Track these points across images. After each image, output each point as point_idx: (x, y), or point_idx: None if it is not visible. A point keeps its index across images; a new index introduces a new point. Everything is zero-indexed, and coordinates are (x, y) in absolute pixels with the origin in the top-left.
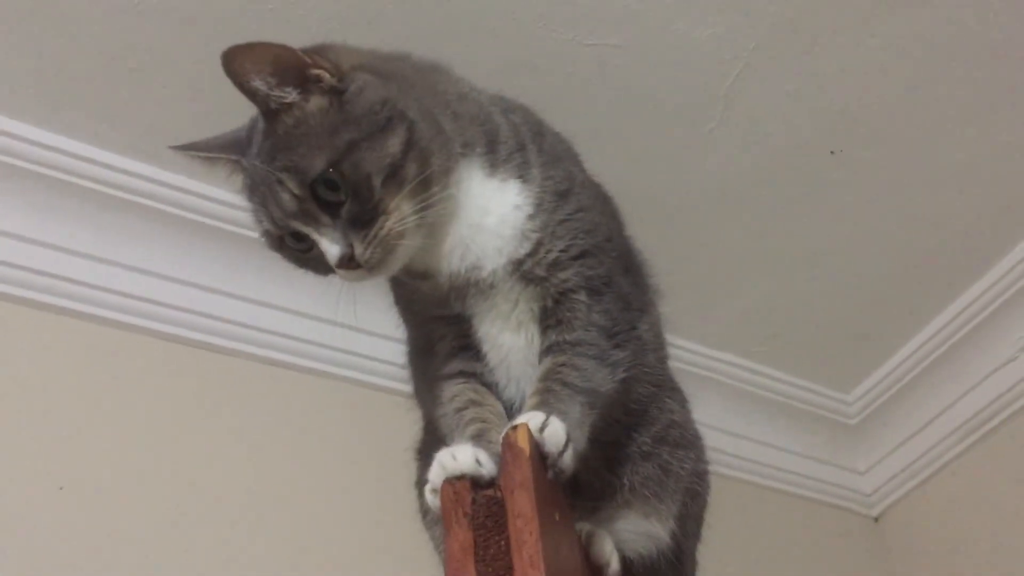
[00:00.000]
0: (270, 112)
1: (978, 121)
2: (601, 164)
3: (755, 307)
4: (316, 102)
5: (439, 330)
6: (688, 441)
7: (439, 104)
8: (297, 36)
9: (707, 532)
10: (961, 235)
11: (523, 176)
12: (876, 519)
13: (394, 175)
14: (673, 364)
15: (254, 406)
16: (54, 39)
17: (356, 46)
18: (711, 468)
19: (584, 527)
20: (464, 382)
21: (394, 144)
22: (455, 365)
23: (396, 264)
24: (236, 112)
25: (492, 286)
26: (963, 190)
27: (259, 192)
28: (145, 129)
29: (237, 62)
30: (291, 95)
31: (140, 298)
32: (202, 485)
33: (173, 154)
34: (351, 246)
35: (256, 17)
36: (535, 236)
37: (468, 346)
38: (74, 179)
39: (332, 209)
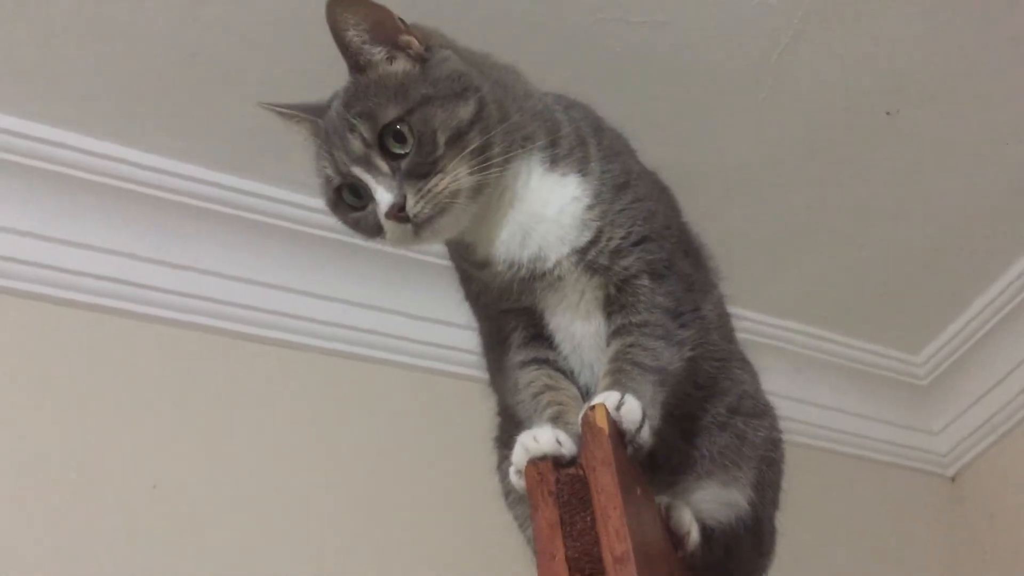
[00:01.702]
0: (357, 67)
1: None
2: (655, 141)
3: (819, 273)
4: (401, 64)
5: (511, 322)
6: (760, 410)
7: (509, 97)
8: None
9: (784, 500)
10: None
11: (583, 170)
12: (952, 479)
13: (458, 138)
14: (740, 335)
15: (336, 400)
16: (115, 54)
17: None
18: (785, 437)
19: (663, 499)
20: (538, 368)
21: (465, 111)
22: (528, 353)
23: (443, 228)
24: None
25: (560, 278)
26: None
27: (330, 140)
28: (208, 137)
29: (338, 12)
30: (379, 54)
31: (223, 302)
32: (289, 481)
33: (243, 160)
34: (404, 197)
35: (309, 25)
36: (595, 225)
37: (540, 335)
38: (145, 189)
39: (394, 161)
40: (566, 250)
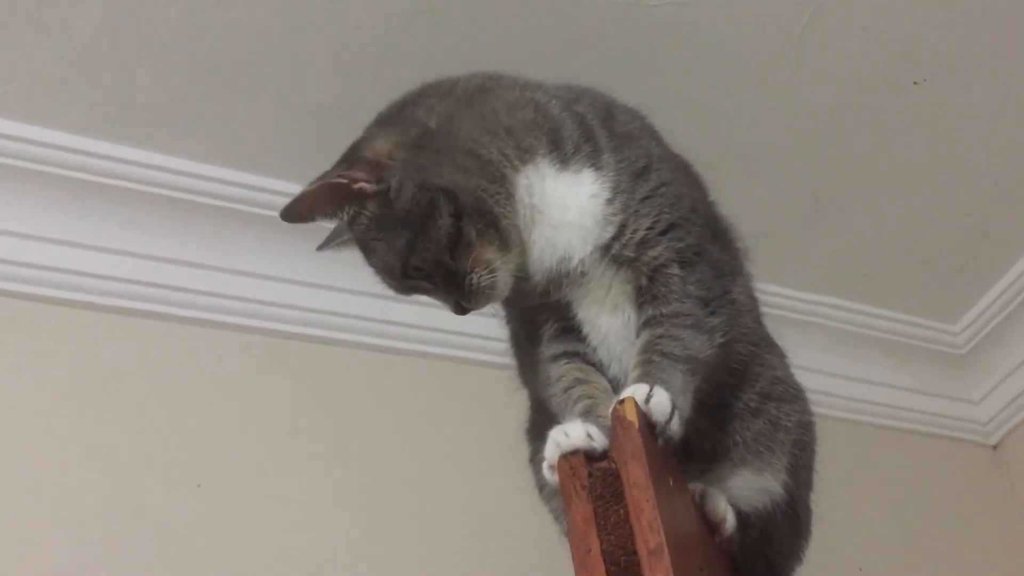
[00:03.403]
0: (348, 223)
1: None
2: (682, 122)
3: (851, 246)
4: (372, 207)
5: (541, 316)
6: (792, 395)
7: (487, 128)
8: (364, 41)
9: (827, 475)
10: None
11: (595, 164)
12: (995, 447)
13: (458, 243)
14: (775, 312)
15: (376, 394)
16: (143, 62)
17: (388, 128)
18: (827, 412)
19: (697, 487)
20: (568, 362)
21: (444, 222)
22: (559, 347)
23: (503, 291)
24: (315, 119)
25: (583, 274)
26: None
27: (379, 273)
28: (233, 140)
29: (295, 217)
30: (350, 211)
31: (262, 302)
32: (332, 476)
33: (268, 160)
34: (457, 302)
35: (328, 28)
36: (617, 219)
37: (570, 328)
38: (179, 194)
39: (431, 279)
40: (589, 248)
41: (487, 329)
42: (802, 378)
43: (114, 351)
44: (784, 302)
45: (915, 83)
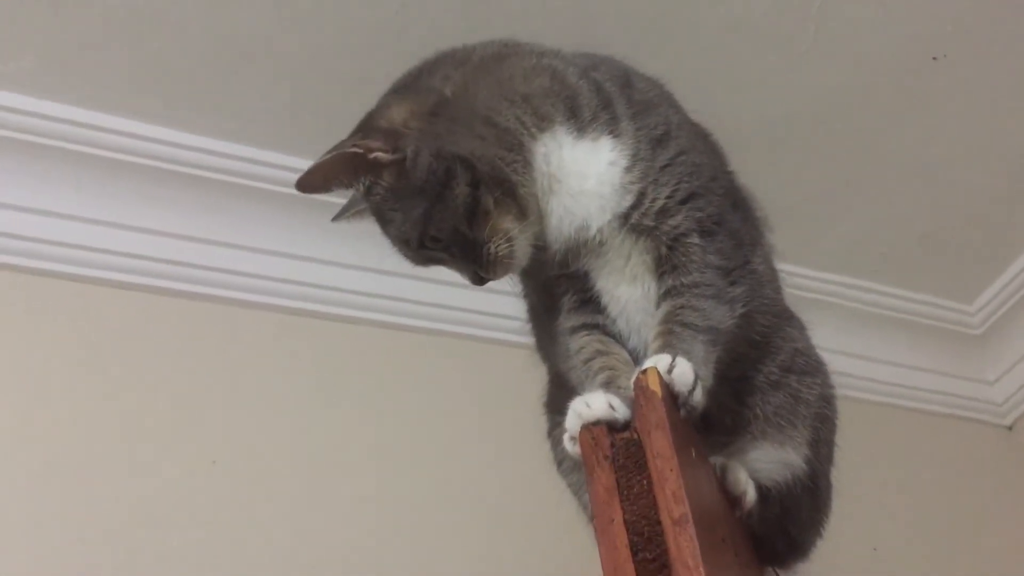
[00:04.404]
0: (364, 194)
1: None
2: (698, 97)
3: (866, 225)
4: (387, 177)
5: (560, 287)
6: (813, 367)
7: (503, 96)
8: (378, 16)
9: (841, 456)
10: None
11: (613, 131)
12: (1010, 428)
13: (475, 212)
14: (789, 291)
15: (392, 373)
16: (157, 38)
17: (403, 96)
18: (839, 392)
19: (718, 460)
20: (588, 334)
21: (461, 191)
22: (579, 319)
23: (521, 260)
24: (329, 95)
25: (601, 243)
26: None
27: (395, 245)
28: (249, 115)
29: (310, 187)
30: (366, 181)
31: (277, 279)
32: (346, 453)
33: (282, 136)
34: (475, 271)
35: (342, 2)
36: (636, 187)
37: (589, 299)
38: (193, 171)
39: (449, 249)
40: (607, 217)
41: (500, 307)
42: None
43: (128, 328)
44: (799, 281)
45: (934, 59)
